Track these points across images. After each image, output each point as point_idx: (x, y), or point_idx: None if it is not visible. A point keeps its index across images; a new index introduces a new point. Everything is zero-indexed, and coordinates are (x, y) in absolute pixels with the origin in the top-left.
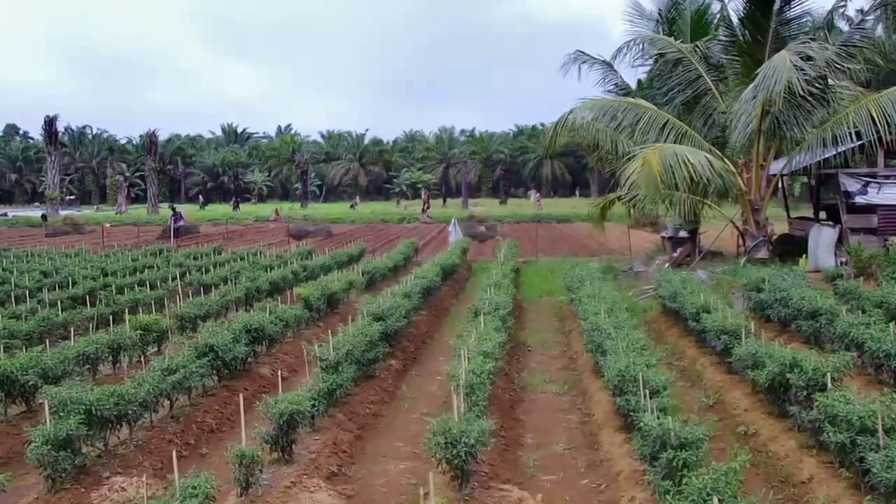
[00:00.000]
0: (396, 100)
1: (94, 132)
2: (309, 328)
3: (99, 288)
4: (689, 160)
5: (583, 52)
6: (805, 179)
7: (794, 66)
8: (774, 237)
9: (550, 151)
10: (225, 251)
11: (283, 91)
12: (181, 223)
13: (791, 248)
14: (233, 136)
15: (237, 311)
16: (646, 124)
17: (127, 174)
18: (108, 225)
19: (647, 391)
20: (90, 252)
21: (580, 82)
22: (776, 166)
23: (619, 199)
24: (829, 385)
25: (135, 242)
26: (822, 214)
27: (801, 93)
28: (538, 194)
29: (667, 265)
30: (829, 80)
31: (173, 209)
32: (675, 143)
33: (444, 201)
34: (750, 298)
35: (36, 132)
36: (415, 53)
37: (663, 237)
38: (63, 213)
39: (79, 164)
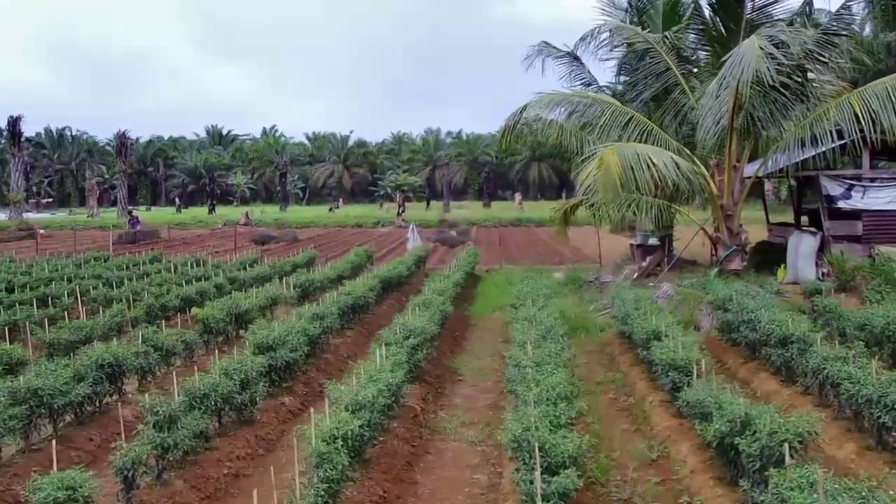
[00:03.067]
0: (384, 101)
1: (74, 133)
2: (210, 355)
3: None
4: (651, 161)
5: (548, 44)
6: (793, 182)
7: (765, 52)
8: (750, 245)
9: (502, 151)
10: (170, 258)
11: (270, 93)
12: (137, 227)
13: (769, 256)
14: (217, 137)
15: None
16: (607, 121)
17: (106, 176)
18: (42, 231)
19: (547, 464)
20: (20, 260)
21: (545, 77)
22: (751, 168)
23: (582, 203)
24: (788, 459)
25: (69, 250)
26: (804, 220)
27: (773, 83)
28: (520, 197)
29: (635, 275)
30: (809, 74)
31: (130, 212)
32: (639, 141)
33: (428, 204)
34: (717, 318)
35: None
36: (402, 55)
37: (632, 245)
38: (29, 216)
39: (58, 166)
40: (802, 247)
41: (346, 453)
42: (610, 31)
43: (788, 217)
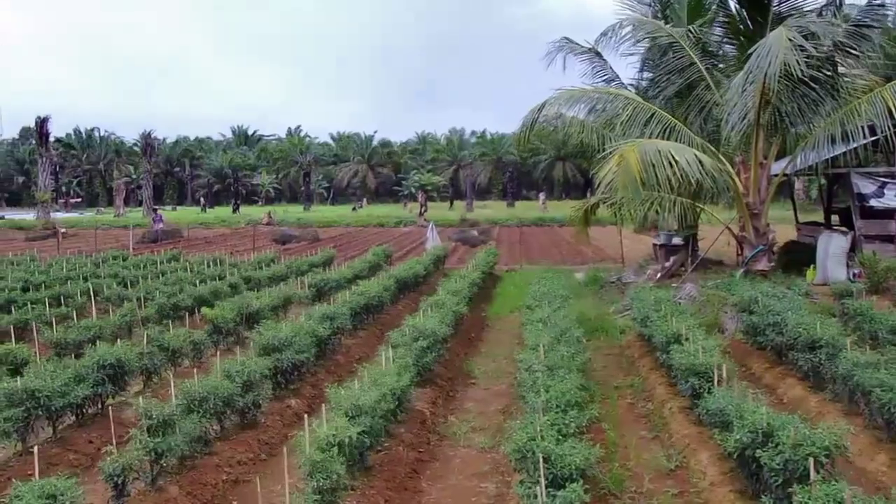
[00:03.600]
0: (408, 102)
1: (102, 134)
2: (220, 356)
3: (1, 303)
4: (673, 157)
5: (569, 40)
6: (822, 180)
7: (793, 44)
8: (778, 245)
9: (521, 148)
10: (188, 257)
11: (295, 94)
12: (160, 226)
13: (798, 257)
14: (242, 138)
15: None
16: (628, 117)
17: (133, 176)
18: (63, 230)
19: (553, 477)
20: (41, 259)
21: (567, 74)
22: (779, 166)
23: (603, 201)
24: (814, 474)
25: (91, 250)
26: (835, 219)
27: (802, 76)
28: (544, 196)
29: (658, 276)
30: (840, 68)
31: (154, 210)
32: (662, 138)
33: (451, 204)
34: (742, 320)
35: (53, 135)
36: (427, 55)
37: (655, 245)
38: (57, 216)
39: (86, 167)
40: (832, 247)
41: (343, 461)
42: (633, 25)
43: (819, 217)
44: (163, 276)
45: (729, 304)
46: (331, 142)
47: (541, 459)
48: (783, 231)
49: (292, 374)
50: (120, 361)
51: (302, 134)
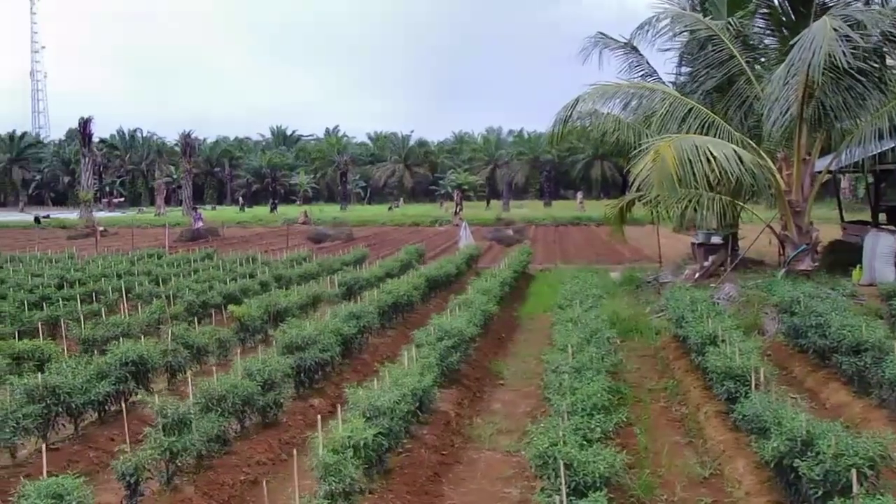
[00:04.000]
0: (445, 101)
1: (145, 134)
2: (246, 354)
3: (36, 299)
4: (711, 153)
5: (605, 35)
6: (869, 178)
7: (839, 34)
8: (822, 244)
9: (555, 145)
10: (223, 255)
11: (333, 94)
12: (199, 224)
13: (843, 257)
14: (281, 138)
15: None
16: (665, 113)
17: (174, 176)
18: (101, 229)
19: (575, 485)
20: (79, 257)
21: (603, 71)
22: (823, 162)
23: (639, 199)
24: (856, 487)
25: (130, 248)
26: (883, 218)
27: (847, 68)
28: (581, 196)
29: (696, 276)
30: (888, 60)
31: (195, 209)
32: (700, 134)
33: (488, 203)
34: (783, 322)
35: (97, 136)
36: (464, 53)
37: (693, 244)
38: (100, 215)
39: (129, 167)
40: (880, 246)
41: (358, 464)
42: (670, 18)
43: (866, 216)
44: (195, 273)
45: (770, 304)
46: (368, 141)
47: (562, 466)
48: (828, 230)
49: (316, 374)
50: (143, 358)
51: (339, 134)
